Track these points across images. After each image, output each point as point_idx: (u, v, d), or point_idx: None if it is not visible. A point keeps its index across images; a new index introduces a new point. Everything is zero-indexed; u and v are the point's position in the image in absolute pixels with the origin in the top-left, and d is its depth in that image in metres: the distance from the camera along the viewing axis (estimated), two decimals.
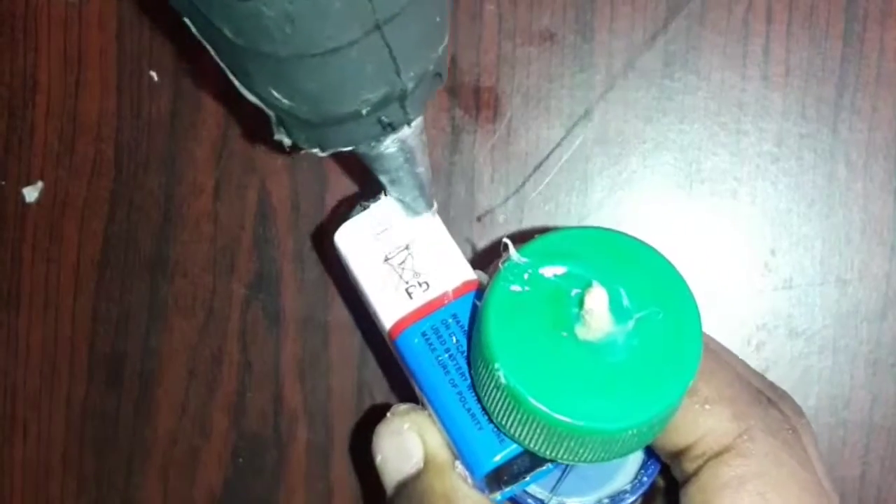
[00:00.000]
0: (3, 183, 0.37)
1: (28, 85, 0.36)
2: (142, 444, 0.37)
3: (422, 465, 0.26)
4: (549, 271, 0.24)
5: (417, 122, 0.25)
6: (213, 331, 0.36)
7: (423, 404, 0.27)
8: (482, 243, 0.35)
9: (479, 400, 0.25)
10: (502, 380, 0.23)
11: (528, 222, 0.36)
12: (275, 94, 0.24)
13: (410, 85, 0.24)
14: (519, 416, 0.24)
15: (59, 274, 0.37)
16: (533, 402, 0.23)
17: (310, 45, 0.22)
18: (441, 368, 0.26)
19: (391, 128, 0.25)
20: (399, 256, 0.27)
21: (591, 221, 0.35)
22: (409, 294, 0.26)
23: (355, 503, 0.36)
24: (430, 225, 0.27)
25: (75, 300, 0.37)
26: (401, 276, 0.27)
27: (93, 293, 0.36)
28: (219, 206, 0.36)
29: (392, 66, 0.23)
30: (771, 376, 0.35)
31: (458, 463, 0.26)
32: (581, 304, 0.24)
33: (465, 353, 0.26)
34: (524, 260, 0.24)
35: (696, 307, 0.24)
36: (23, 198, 0.37)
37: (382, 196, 0.27)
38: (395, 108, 0.24)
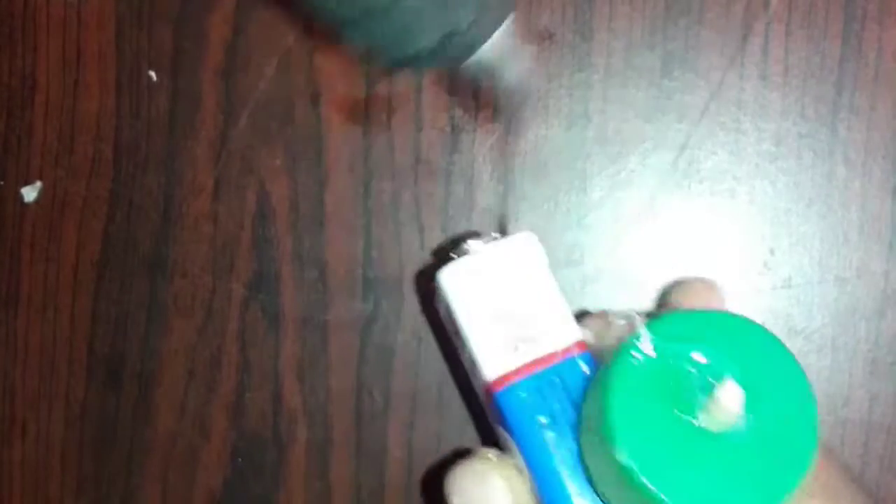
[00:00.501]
0: (2, 183, 0.37)
1: (27, 85, 0.36)
2: (141, 444, 0.36)
3: None
4: (675, 351, 0.24)
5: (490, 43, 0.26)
6: (212, 331, 0.36)
7: (509, 453, 0.26)
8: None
9: (584, 467, 0.25)
10: (622, 460, 0.23)
11: (528, 222, 0.36)
12: (358, 39, 0.25)
13: (467, 22, 0.25)
14: (630, 497, 0.24)
15: (58, 274, 0.36)
16: (650, 487, 0.23)
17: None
18: (542, 429, 0.25)
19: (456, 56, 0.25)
20: (507, 306, 0.26)
21: (591, 221, 0.35)
22: (516, 349, 0.25)
23: (355, 503, 0.36)
24: (541, 277, 0.26)
25: (74, 300, 0.36)
26: (507, 329, 0.26)
27: (92, 293, 0.36)
28: (218, 206, 0.36)
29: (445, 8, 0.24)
30: None
31: None
32: (709, 392, 0.23)
33: (568, 416, 0.25)
34: (650, 336, 0.24)
35: (814, 403, 0.24)
36: (22, 198, 0.36)
37: (491, 238, 0.26)
38: (458, 40, 0.25)
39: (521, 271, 0.26)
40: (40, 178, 0.36)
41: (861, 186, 0.35)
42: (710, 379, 0.23)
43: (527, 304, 0.26)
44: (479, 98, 0.36)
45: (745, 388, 0.23)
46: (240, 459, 0.36)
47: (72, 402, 0.37)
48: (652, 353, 0.24)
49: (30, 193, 0.36)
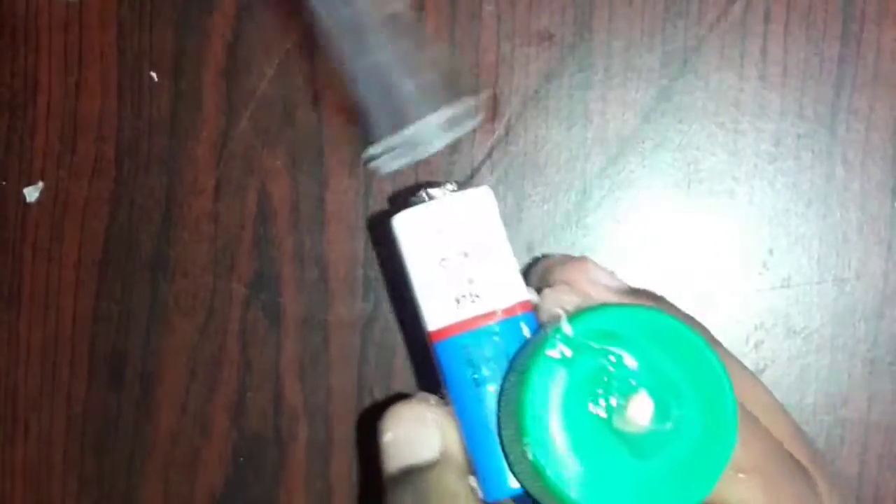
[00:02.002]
0: (4, 183, 0.37)
1: (29, 85, 0.36)
2: (142, 444, 0.37)
3: (437, 457, 0.26)
4: (595, 347, 0.24)
5: None
6: (213, 330, 0.36)
7: (448, 403, 0.26)
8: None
9: (500, 437, 0.25)
10: (530, 455, 0.23)
11: (527, 222, 0.36)
12: None
13: None
14: (539, 487, 0.24)
15: (59, 274, 0.37)
16: (557, 484, 0.23)
17: None
18: (475, 386, 0.25)
19: None
20: (456, 260, 0.26)
21: (590, 221, 0.36)
22: (458, 303, 0.26)
23: (355, 503, 0.37)
24: (492, 234, 0.26)
25: (76, 300, 0.37)
26: (452, 283, 0.26)
27: (93, 293, 0.37)
28: (219, 206, 0.36)
29: None
30: (769, 375, 0.35)
31: (472, 477, 0.26)
32: (623, 396, 0.23)
33: (503, 377, 0.25)
34: (570, 331, 0.24)
35: (735, 408, 0.24)
36: (24, 198, 0.37)
37: (450, 188, 0.26)
38: None
39: (474, 226, 0.26)
40: (42, 179, 0.37)
41: (860, 187, 0.35)
42: (627, 380, 0.24)
43: (476, 258, 0.26)
44: (478, 98, 0.36)
45: (662, 386, 0.23)
46: (241, 459, 0.36)
47: (73, 401, 0.37)
48: (568, 353, 0.24)
49: (32, 194, 0.37)
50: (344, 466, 0.36)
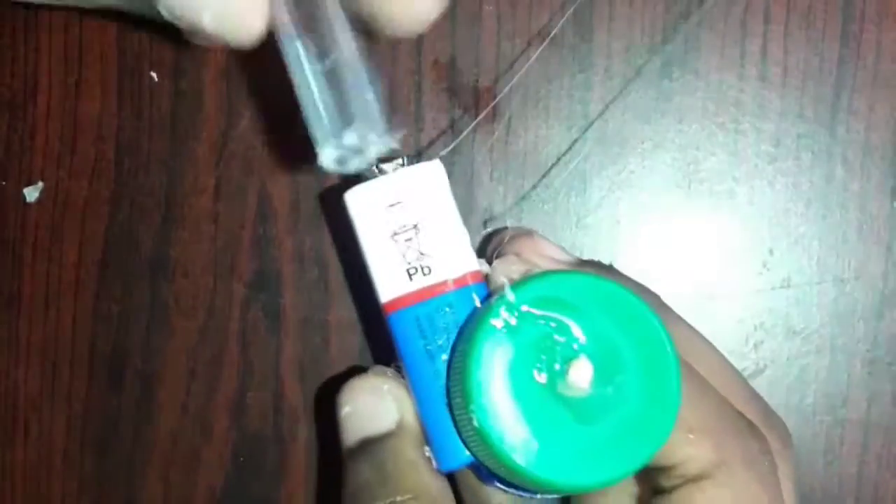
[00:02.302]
0: (4, 183, 0.37)
1: (28, 85, 0.36)
2: (143, 444, 0.37)
3: (394, 428, 0.26)
4: (539, 315, 0.24)
5: None
6: (213, 331, 0.36)
7: (404, 376, 0.27)
8: (480, 242, 0.36)
9: (454, 416, 0.25)
10: (475, 422, 0.23)
11: (527, 222, 0.36)
12: None
13: None
14: (488, 454, 0.24)
15: (59, 274, 0.37)
16: (503, 451, 0.23)
17: None
18: (428, 357, 0.26)
19: None
20: (406, 234, 0.26)
21: (590, 221, 0.36)
22: (410, 275, 0.26)
23: None
24: (444, 207, 0.27)
25: (76, 300, 0.37)
26: (404, 255, 0.26)
27: (94, 293, 0.37)
28: (219, 206, 0.36)
29: None
30: (768, 375, 0.35)
31: (426, 447, 0.26)
32: (565, 362, 0.24)
33: (454, 348, 0.26)
34: (514, 299, 0.24)
35: (678, 371, 0.24)
36: (23, 198, 0.37)
37: (402, 163, 0.27)
38: None
39: (425, 199, 0.27)
40: (42, 179, 0.37)
41: (860, 187, 0.35)
42: (569, 346, 0.24)
43: (427, 231, 0.26)
44: (478, 98, 0.36)
45: (604, 351, 0.24)
46: (241, 459, 0.36)
47: (74, 401, 0.37)
48: (512, 321, 0.24)
49: (31, 194, 0.37)
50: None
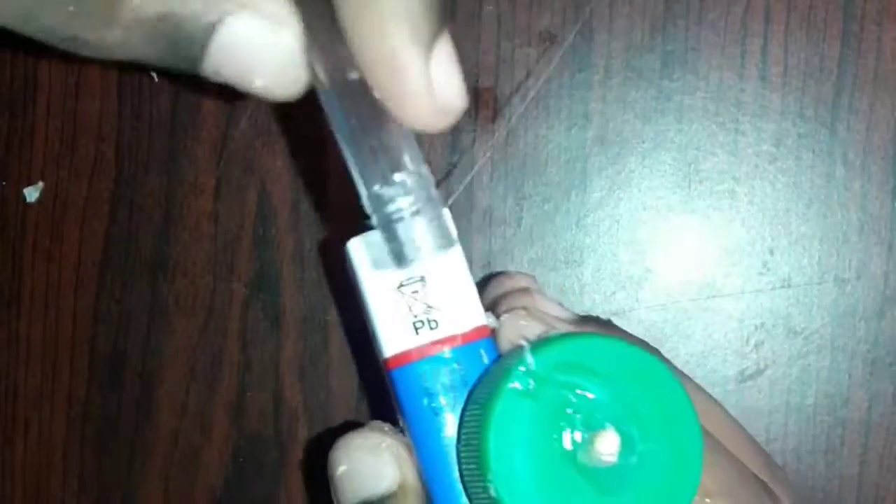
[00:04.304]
0: (4, 183, 0.37)
1: (28, 85, 0.36)
2: (143, 444, 0.37)
3: (395, 489, 0.25)
4: (559, 380, 0.23)
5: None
6: (213, 330, 0.36)
7: (403, 431, 0.25)
8: (481, 242, 0.36)
9: (460, 471, 0.24)
10: (493, 492, 0.22)
11: (527, 222, 0.36)
12: None
13: None
14: None
15: (59, 274, 0.37)
16: None
17: None
18: (433, 415, 0.25)
19: None
20: (413, 286, 0.25)
21: (590, 221, 0.36)
22: (416, 329, 0.25)
23: None
24: (452, 259, 0.25)
25: (76, 300, 0.37)
26: (410, 308, 0.25)
27: (94, 293, 0.37)
28: (219, 206, 0.36)
29: None
30: (769, 375, 0.35)
31: None
32: (588, 431, 0.23)
33: (462, 407, 0.25)
34: (533, 363, 0.23)
35: (700, 437, 0.23)
36: (24, 198, 0.37)
37: (407, 213, 0.26)
38: None
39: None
40: (42, 179, 0.37)
41: (860, 187, 0.35)
42: (592, 413, 0.23)
43: (433, 283, 0.25)
44: (479, 98, 0.36)
45: (628, 419, 0.23)
46: (241, 459, 0.36)
47: (73, 401, 0.37)
48: (531, 386, 0.23)
49: (32, 194, 0.37)
50: None
